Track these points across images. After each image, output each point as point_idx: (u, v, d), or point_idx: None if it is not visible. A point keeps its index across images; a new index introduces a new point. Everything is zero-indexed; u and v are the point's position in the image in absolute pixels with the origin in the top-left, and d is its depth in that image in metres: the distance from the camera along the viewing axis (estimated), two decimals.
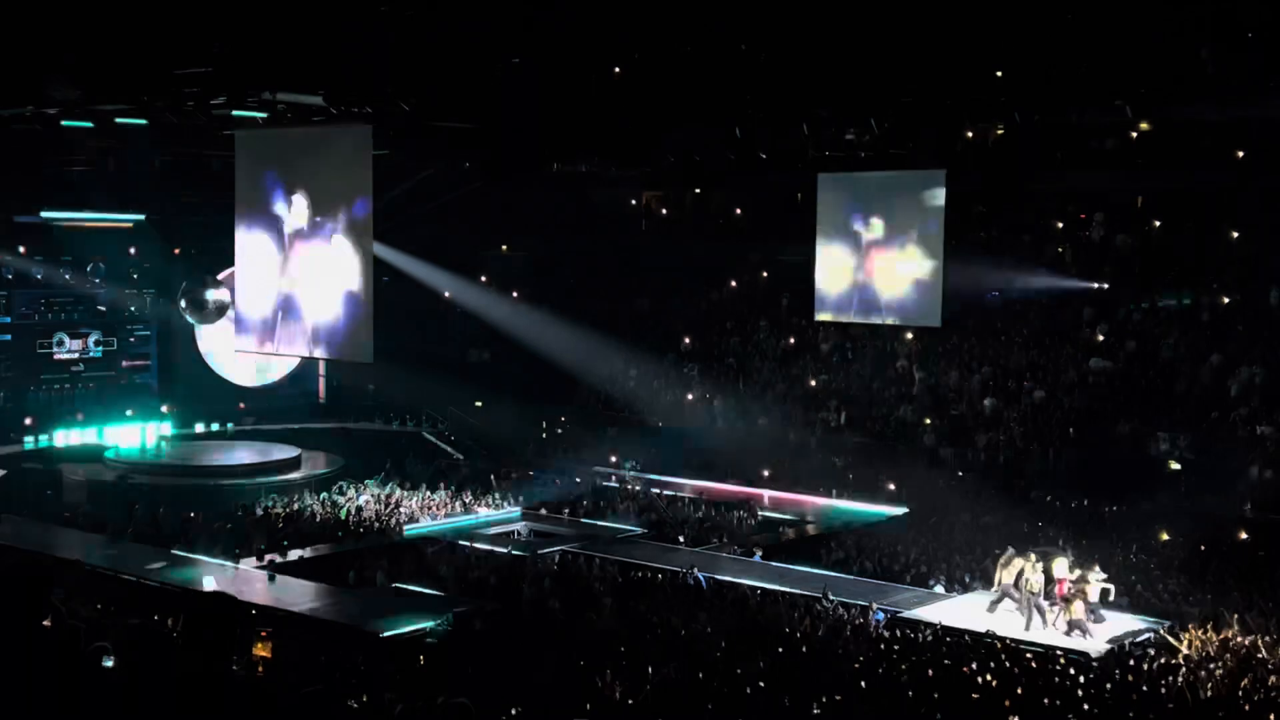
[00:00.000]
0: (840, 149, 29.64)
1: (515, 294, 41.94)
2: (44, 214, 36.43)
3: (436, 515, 30.88)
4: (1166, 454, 29.62)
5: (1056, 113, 26.29)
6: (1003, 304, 35.25)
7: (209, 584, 23.53)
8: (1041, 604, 22.70)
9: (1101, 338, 33.49)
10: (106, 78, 23.06)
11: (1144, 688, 19.09)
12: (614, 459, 35.76)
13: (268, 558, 26.59)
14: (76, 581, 22.67)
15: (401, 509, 30.96)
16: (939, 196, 29.82)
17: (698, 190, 41.60)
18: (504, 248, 42.68)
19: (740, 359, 38.66)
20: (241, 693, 5.93)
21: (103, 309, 38.65)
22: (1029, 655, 20.97)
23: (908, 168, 30.26)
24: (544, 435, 38.92)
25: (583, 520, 31.13)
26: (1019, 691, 18.39)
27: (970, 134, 28.47)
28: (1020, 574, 22.90)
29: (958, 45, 22.31)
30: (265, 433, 38.80)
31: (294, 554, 27.26)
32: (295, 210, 29.39)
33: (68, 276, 37.82)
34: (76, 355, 38.22)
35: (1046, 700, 17.92)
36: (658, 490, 33.19)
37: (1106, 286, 34.13)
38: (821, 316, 33.70)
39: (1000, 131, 28.07)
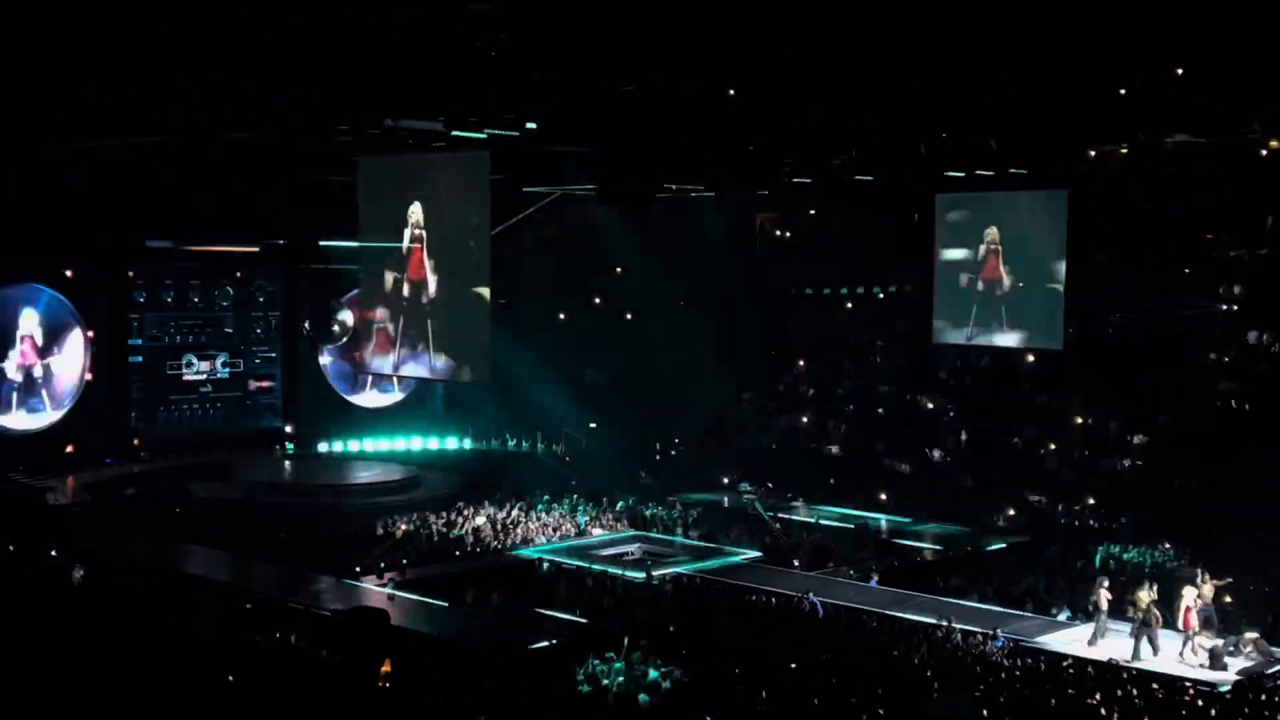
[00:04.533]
0: (959, 169, 29.31)
1: (629, 316, 42.13)
2: (174, 238, 37.46)
3: (552, 536, 31.07)
4: None
5: (1181, 131, 25.71)
6: (1126, 326, 34.55)
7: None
8: (1156, 633, 22.13)
9: (1229, 360, 32.64)
10: (233, 105, 23.69)
11: None
12: (727, 481, 35.70)
13: (387, 576, 26.98)
14: (203, 599, 23.20)
15: (518, 529, 31.22)
16: (1061, 217, 29.35)
17: (813, 212, 41.40)
18: (618, 270, 42.92)
19: (856, 381, 38.37)
20: (372, 707, 6.01)
21: (229, 331, 39.68)
22: (1155, 685, 20.46)
23: (1029, 188, 29.86)
24: (658, 457, 38.99)
25: (697, 543, 31.08)
26: None
27: (1093, 154, 27.93)
28: (1150, 605, 22.35)
29: (1080, 64, 21.96)
30: (386, 452, 39.48)
31: (412, 573, 27.62)
32: (416, 234, 29.91)
33: (196, 299, 38.94)
34: (204, 376, 39.28)
35: None
36: (772, 513, 32.99)
37: (1235, 308, 33.27)
38: (939, 338, 33.36)
39: (1124, 151, 27.49)
